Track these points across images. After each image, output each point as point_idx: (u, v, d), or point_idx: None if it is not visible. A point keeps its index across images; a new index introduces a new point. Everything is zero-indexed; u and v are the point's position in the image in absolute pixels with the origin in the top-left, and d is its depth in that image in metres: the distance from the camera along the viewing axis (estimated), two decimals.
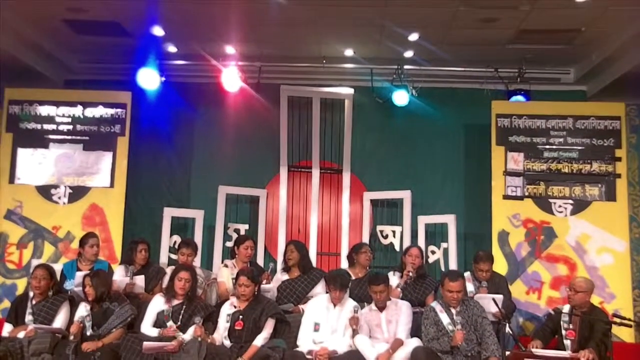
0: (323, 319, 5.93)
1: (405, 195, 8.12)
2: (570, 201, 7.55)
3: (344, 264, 7.32)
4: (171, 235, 7.89)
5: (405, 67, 8.24)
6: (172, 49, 8.17)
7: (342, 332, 5.86)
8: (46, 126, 7.99)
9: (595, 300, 6.59)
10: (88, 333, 5.70)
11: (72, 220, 7.73)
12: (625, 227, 7.36)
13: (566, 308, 5.86)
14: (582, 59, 8.10)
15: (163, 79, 8.08)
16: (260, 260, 7.83)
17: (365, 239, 8.09)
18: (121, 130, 7.99)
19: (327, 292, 6.11)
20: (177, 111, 8.61)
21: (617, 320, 5.59)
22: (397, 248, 7.98)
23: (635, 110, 7.62)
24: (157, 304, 5.93)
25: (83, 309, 5.82)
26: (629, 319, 5.74)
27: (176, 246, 7.55)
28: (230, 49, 8.06)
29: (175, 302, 5.90)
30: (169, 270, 6.54)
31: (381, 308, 5.94)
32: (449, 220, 7.93)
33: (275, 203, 8.38)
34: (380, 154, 8.61)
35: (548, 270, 7.39)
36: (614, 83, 7.89)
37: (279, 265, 7.00)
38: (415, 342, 5.71)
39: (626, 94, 7.85)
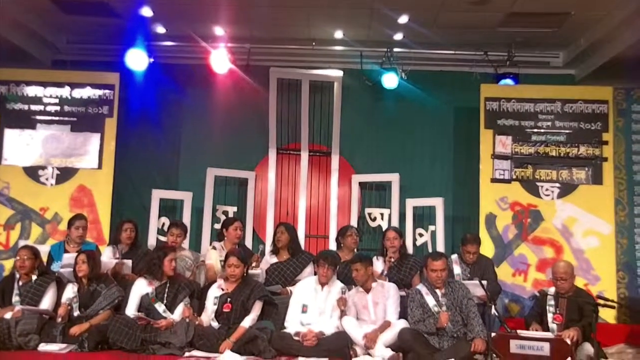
0: (311, 300, 5.97)
1: (394, 178, 8.14)
2: (558, 184, 7.60)
3: (333, 247, 7.36)
4: (159, 217, 7.90)
5: (395, 49, 8.24)
6: (160, 29, 8.12)
7: (329, 314, 5.91)
8: (33, 107, 7.95)
9: (580, 282, 6.68)
10: (75, 314, 5.73)
11: (60, 201, 7.71)
12: (611, 210, 7.42)
13: (551, 290, 5.91)
14: (571, 42, 8.12)
15: (152, 60, 8.04)
16: (248, 243, 7.85)
17: (354, 221, 8.12)
18: (109, 111, 7.95)
19: (315, 274, 6.14)
20: (166, 93, 8.57)
21: (601, 302, 5.64)
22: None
23: (623, 94, 7.64)
24: (140, 287, 5.90)
25: (70, 291, 5.84)
26: (613, 301, 5.80)
27: (164, 228, 7.59)
28: (219, 30, 8.02)
29: (158, 282, 5.89)
30: None
31: (367, 290, 5.98)
32: (437, 203, 7.97)
33: (264, 185, 8.39)
34: (369, 137, 8.62)
35: (534, 252, 7.45)
36: (602, 67, 7.92)
37: (268, 247, 7.02)
38: (402, 323, 5.76)
39: (614, 77, 7.87)
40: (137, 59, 7.84)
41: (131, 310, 5.78)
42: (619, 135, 7.59)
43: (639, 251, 7.35)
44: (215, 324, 5.78)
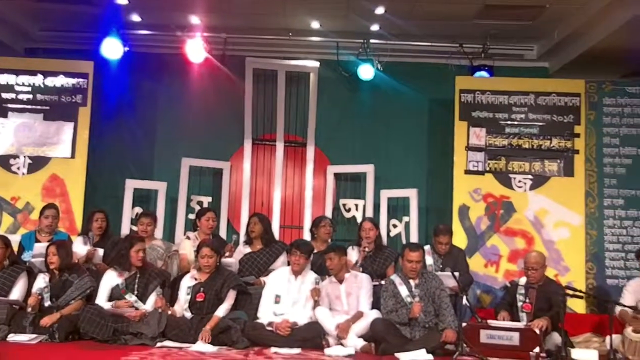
0: (284, 290, 5.98)
1: (369, 169, 8.18)
2: (530, 176, 7.67)
3: (307, 237, 7.36)
4: (133, 207, 7.88)
5: (371, 41, 8.25)
6: (135, 18, 8.06)
7: (302, 304, 5.93)
8: (5, 95, 7.84)
9: (550, 272, 6.77)
10: (46, 304, 5.67)
11: (32, 191, 7.62)
12: (581, 202, 7.51)
13: (522, 280, 6.01)
14: (545, 35, 8.19)
15: (126, 48, 7.98)
16: (223, 233, 7.84)
17: (328, 212, 8.16)
18: (83, 100, 7.87)
19: (288, 264, 6.16)
20: (141, 82, 8.54)
21: (570, 292, 5.74)
22: (359, 221, 8.01)
23: (595, 87, 7.71)
24: (110, 278, 5.87)
25: (41, 281, 5.79)
26: (581, 291, 5.92)
27: None
28: (195, 20, 7.99)
29: (127, 273, 5.86)
30: None
31: (340, 280, 6.02)
32: (411, 194, 8.02)
33: (239, 176, 8.38)
34: (345, 128, 8.64)
35: (506, 244, 7.52)
36: (574, 60, 8.03)
37: (242, 237, 7.02)
38: (375, 314, 5.81)
39: (586, 71, 7.96)
40: (111, 48, 7.80)
41: (102, 301, 5.75)
42: (591, 128, 7.67)
43: (607, 242, 7.44)
44: (188, 314, 5.77)
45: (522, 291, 5.92)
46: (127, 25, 8.05)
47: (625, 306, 5.70)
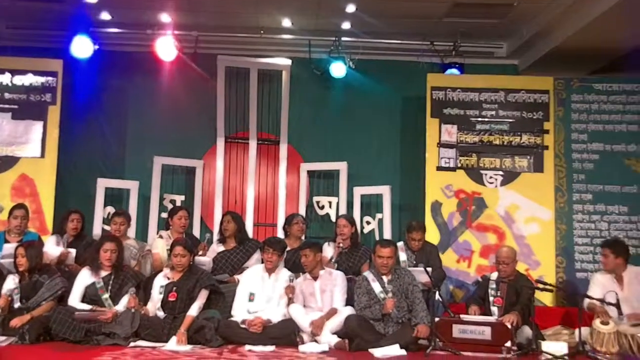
0: (258, 288, 5.99)
1: (342, 166, 8.21)
2: (501, 172, 7.76)
3: (281, 235, 7.37)
4: (105, 206, 7.82)
5: (343, 38, 8.28)
6: (105, 16, 7.97)
7: (276, 302, 5.94)
8: None
9: (521, 267, 6.86)
10: (16, 306, 5.61)
11: (1, 191, 7.50)
12: (551, 197, 7.61)
13: (494, 275, 6.08)
14: (514, 33, 8.29)
15: (96, 47, 7.90)
16: (196, 232, 7.81)
17: (302, 209, 8.17)
18: (52, 99, 7.77)
19: (262, 262, 6.16)
20: (112, 80, 8.46)
21: (540, 286, 5.84)
22: (332, 219, 8.07)
23: (563, 84, 7.82)
24: (84, 277, 5.84)
25: (11, 282, 5.71)
26: (551, 285, 6.01)
27: (110, 217, 7.49)
28: (165, 18, 7.93)
29: (103, 273, 5.84)
30: None
31: (315, 277, 6.04)
32: (384, 191, 8.07)
33: (212, 174, 8.35)
34: (318, 126, 8.65)
35: (478, 239, 7.60)
36: (543, 57, 8.14)
37: (215, 236, 7.01)
38: (349, 310, 5.85)
39: (555, 68, 8.09)
40: (81, 46, 7.75)
41: (75, 300, 5.71)
42: (559, 124, 7.78)
43: (576, 237, 7.55)
44: (160, 314, 5.74)
45: (494, 286, 6.00)
46: (97, 23, 7.98)
47: (593, 299, 5.79)
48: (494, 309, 5.91)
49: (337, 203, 8.20)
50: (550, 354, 5.16)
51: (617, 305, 5.62)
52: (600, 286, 6.00)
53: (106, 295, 5.73)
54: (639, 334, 5.24)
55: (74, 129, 8.18)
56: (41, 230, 7.17)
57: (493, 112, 7.89)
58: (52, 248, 6.34)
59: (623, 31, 7.18)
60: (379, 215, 8.11)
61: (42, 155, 7.65)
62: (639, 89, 7.75)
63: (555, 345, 5.28)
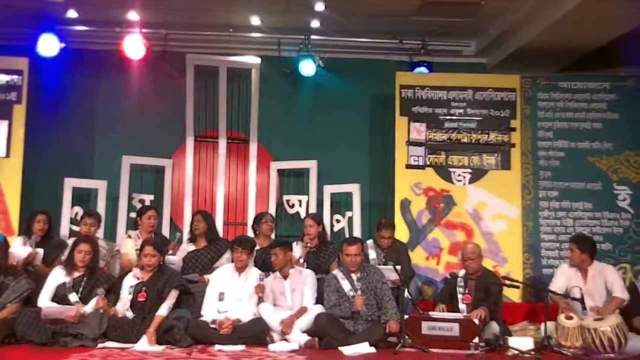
0: (228, 288, 5.98)
1: (312, 165, 8.22)
2: (469, 170, 7.83)
3: (251, 234, 7.36)
4: (73, 206, 7.73)
5: (312, 37, 8.27)
6: (72, 14, 7.85)
7: (246, 301, 5.94)
8: None
9: (489, 264, 6.96)
10: None
11: None
12: (518, 194, 7.71)
13: (462, 272, 6.16)
14: (482, 32, 8.36)
15: (63, 45, 7.80)
16: (165, 231, 7.77)
17: (272, 208, 8.16)
18: (17, 97, 7.66)
19: (233, 261, 6.15)
20: (79, 79, 8.37)
21: (507, 282, 5.92)
22: (303, 217, 8.05)
23: (529, 82, 7.92)
24: (57, 276, 5.81)
25: None
26: (518, 281, 6.10)
27: (78, 217, 7.43)
28: (133, 15, 7.82)
29: (76, 274, 5.81)
30: (70, 242, 6.39)
31: (285, 276, 6.05)
32: (354, 189, 8.10)
33: (182, 173, 8.30)
34: (287, 124, 8.64)
35: (447, 236, 7.67)
36: (510, 56, 8.23)
37: (185, 235, 6.98)
38: (318, 308, 5.87)
39: (521, 66, 8.16)
40: (48, 45, 7.66)
41: (45, 299, 5.66)
42: (526, 122, 7.88)
43: (543, 233, 7.65)
44: (129, 314, 5.71)
45: (462, 283, 6.07)
46: (63, 21, 7.87)
47: (558, 294, 5.89)
48: (463, 306, 5.97)
49: (307, 201, 8.21)
50: (516, 349, 5.23)
51: (581, 301, 5.74)
52: (565, 276, 6.10)
53: (74, 296, 5.68)
54: (601, 328, 5.34)
55: (41, 128, 8.06)
56: (7, 231, 7.08)
57: (461, 110, 7.95)
58: (20, 249, 6.27)
59: (588, 30, 7.28)
60: (348, 214, 8.14)
61: (8, 155, 7.54)
62: (602, 87, 7.88)
63: (521, 341, 5.36)
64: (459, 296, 6.04)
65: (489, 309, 5.73)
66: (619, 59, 8.01)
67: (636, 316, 5.90)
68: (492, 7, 7.48)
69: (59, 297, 5.70)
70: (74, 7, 7.72)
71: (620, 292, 5.91)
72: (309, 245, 6.61)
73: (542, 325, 5.63)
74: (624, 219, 7.64)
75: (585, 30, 7.30)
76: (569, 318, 5.51)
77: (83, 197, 7.96)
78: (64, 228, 7.53)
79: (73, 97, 8.39)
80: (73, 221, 7.60)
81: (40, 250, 6.29)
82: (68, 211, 7.67)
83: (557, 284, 6.04)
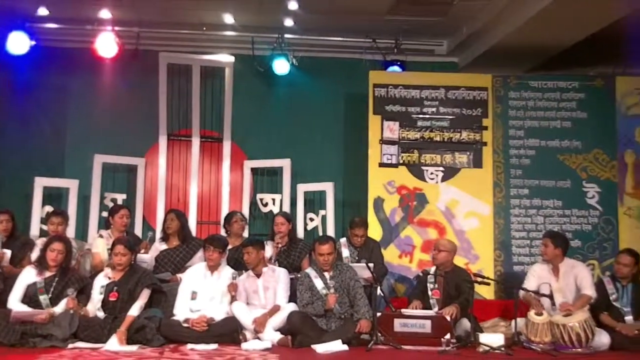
0: (200, 286, 5.96)
1: (285, 163, 8.24)
2: (441, 168, 7.89)
3: (224, 233, 7.35)
4: (43, 205, 7.65)
5: (286, 36, 8.30)
6: (43, 11, 7.77)
7: (219, 300, 5.93)
8: None
9: (461, 261, 7.02)
10: None
11: None
12: (489, 192, 7.78)
13: (433, 270, 6.21)
14: (454, 31, 8.43)
15: (33, 42, 7.73)
16: (138, 230, 7.74)
17: (246, 207, 8.17)
18: None
19: (205, 260, 6.14)
20: (50, 77, 8.31)
21: (479, 279, 5.98)
22: None
23: (501, 81, 8.00)
24: (28, 276, 5.72)
25: None
26: (489, 278, 6.16)
27: None
28: (105, 13, 7.78)
29: (48, 273, 5.73)
30: (39, 241, 6.31)
31: (258, 274, 6.05)
32: (327, 187, 8.14)
33: (154, 172, 8.27)
34: (261, 123, 8.64)
35: (419, 234, 7.72)
36: (482, 55, 8.31)
37: (158, 234, 6.95)
38: (291, 307, 5.88)
39: (493, 66, 8.23)
40: (17, 43, 7.59)
41: (15, 300, 5.58)
42: (498, 120, 7.95)
43: (514, 231, 7.73)
44: (101, 314, 5.66)
45: (432, 279, 6.13)
46: (34, 18, 7.80)
47: (528, 290, 5.97)
48: (433, 302, 6.03)
49: (281, 200, 8.22)
50: (487, 346, 5.30)
51: (551, 297, 5.83)
52: (536, 277, 6.16)
53: (45, 296, 5.60)
54: (570, 324, 5.43)
55: (11, 127, 8.04)
56: None
57: (434, 109, 8.00)
58: None
59: (558, 29, 7.37)
60: (322, 212, 8.17)
61: None
62: (571, 86, 7.97)
63: (492, 337, 5.42)
64: (430, 292, 6.10)
65: (460, 306, 5.79)
66: (588, 58, 8.14)
67: (603, 312, 5.99)
68: (464, 6, 7.56)
69: (29, 297, 5.62)
70: (45, 5, 7.64)
71: (589, 290, 5.99)
72: (279, 244, 6.61)
73: (513, 321, 5.71)
74: (593, 216, 7.75)
75: (555, 30, 7.39)
76: (538, 314, 5.60)
77: (54, 197, 7.89)
78: (35, 228, 7.46)
79: (44, 95, 8.31)
80: (44, 221, 7.49)
81: (8, 251, 6.18)
82: (39, 211, 7.59)
83: (529, 285, 6.08)
